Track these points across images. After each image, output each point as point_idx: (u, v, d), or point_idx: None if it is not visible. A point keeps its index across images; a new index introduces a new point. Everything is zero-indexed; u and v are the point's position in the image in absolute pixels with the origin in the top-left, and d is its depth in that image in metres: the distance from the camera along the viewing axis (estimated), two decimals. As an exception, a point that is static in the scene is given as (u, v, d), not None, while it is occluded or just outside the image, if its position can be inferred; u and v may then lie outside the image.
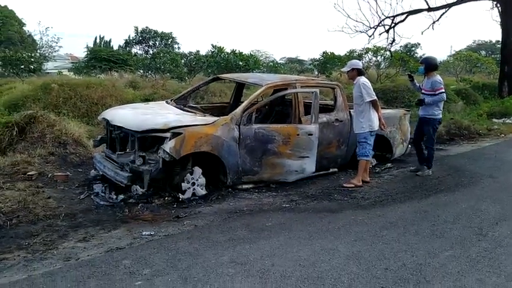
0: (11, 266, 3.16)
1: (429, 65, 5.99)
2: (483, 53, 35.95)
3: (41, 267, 3.14)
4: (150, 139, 4.74)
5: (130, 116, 5.10)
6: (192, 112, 5.43)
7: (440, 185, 5.62)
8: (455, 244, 3.69)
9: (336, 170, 6.06)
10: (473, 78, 19.01)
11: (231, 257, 3.30)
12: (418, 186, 5.53)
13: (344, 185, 5.43)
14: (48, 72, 22.15)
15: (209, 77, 17.35)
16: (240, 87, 6.81)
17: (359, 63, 5.77)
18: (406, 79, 9.87)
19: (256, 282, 2.93)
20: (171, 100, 6.16)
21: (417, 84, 6.27)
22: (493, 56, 31.82)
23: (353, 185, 5.37)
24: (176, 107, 5.68)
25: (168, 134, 4.56)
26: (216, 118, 4.99)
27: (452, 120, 9.69)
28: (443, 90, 5.86)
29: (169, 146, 4.48)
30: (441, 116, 6.04)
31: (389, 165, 6.58)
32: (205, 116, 5.23)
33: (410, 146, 7.07)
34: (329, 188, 5.39)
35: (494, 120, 11.29)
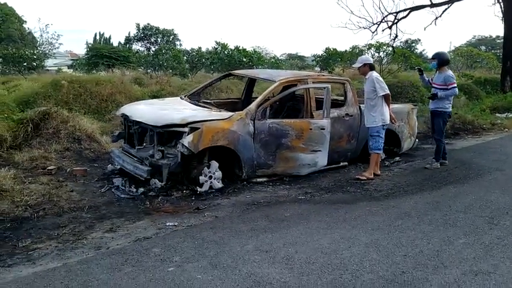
0: (45, 255, 3.29)
1: (442, 60, 6.12)
2: (483, 48, 36.06)
3: (74, 255, 3.27)
4: (167, 134, 4.85)
5: (148, 111, 5.22)
6: (207, 107, 5.55)
7: (449, 177, 5.75)
8: (469, 232, 3.83)
9: (346, 163, 6.20)
10: (475, 74, 19.12)
11: (255, 245, 3.43)
12: (428, 179, 5.67)
13: (357, 177, 5.56)
14: (47, 70, 22.16)
15: (212, 74, 17.39)
16: (251, 83, 6.92)
17: (370, 59, 5.90)
18: (414, 73, 9.95)
19: (282, 268, 3.06)
20: (185, 96, 6.28)
21: (427, 79, 6.40)
22: (493, 51, 31.94)
23: (365, 178, 5.51)
24: (191, 102, 5.80)
25: (186, 129, 4.68)
26: (231, 113, 5.10)
27: (456, 115, 9.82)
28: (456, 85, 6.01)
29: (187, 140, 4.60)
30: (451, 109, 6.20)
31: (397, 158, 6.72)
32: (220, 111, 5.34)
33: (417, 140, 7.22)
34: (341, 181, 5.52)
35: (498, 114, 11.42)
